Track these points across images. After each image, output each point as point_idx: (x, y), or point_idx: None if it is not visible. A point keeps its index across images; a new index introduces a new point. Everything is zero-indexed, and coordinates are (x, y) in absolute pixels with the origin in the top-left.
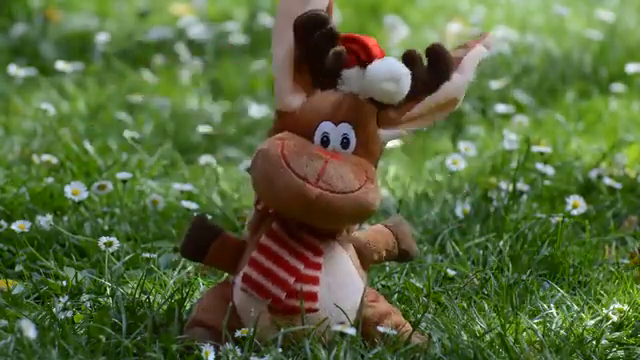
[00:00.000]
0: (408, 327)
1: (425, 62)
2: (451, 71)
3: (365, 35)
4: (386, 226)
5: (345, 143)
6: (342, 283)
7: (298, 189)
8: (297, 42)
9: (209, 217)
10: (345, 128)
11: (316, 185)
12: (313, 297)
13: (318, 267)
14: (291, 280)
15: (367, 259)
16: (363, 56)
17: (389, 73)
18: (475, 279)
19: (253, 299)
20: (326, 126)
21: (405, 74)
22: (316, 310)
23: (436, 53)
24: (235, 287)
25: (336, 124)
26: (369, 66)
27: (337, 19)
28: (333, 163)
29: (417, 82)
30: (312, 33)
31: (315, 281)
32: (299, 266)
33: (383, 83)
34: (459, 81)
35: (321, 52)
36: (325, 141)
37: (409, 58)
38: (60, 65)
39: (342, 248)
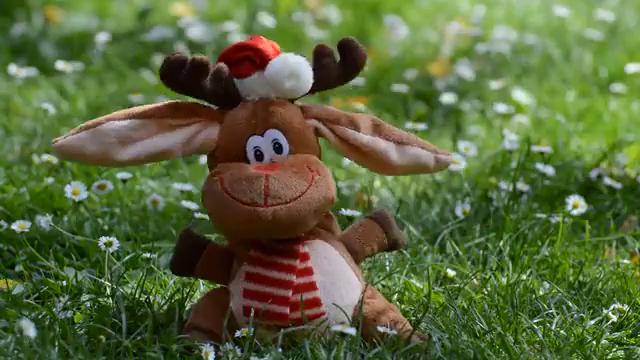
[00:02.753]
0: (407, 325)
1: (337, 55)
2: (362, 65)
3: (255, 37)
4: (371, 218)
5: (278, 148)
6: (337, 281)
7: (251, 216)
8: (174, 89)
9: (195, 227)
10: (272, 134)
11: (267, 205)
12: (317, 303)
13: (309, 272)
14: (289, 294)
15: (360, 254)
16: (258, 60)
17: (288, 70)
18: (475, 279)
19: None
20: (253, 140)
21: (303, 67)
22: (322, 314)
23: (347, 47)
24: (231, 295)
25: (261, 134)
26: (267, 67)
27: (337, 19)
28: (274, 176)
29: (330, 74)
30: (178, 75)
31: (312, 286)
32: (291, 278)
33: (284, 80)
34: (394, 155)
35: (199, 83)
36: (259, 155)
37: (318, 52)
38: (60, 65)
39: (332, 247)
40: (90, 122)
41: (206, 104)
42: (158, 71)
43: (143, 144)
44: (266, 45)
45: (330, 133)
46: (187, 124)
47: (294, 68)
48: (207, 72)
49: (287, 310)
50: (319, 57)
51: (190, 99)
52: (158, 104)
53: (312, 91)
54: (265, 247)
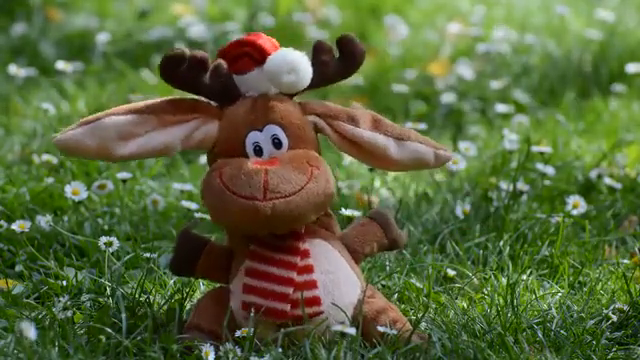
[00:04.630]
0: (407, 324)
1: (336, 52)
2: (360, 61)
3: (254, 33)
4: (370, 218)
5: (277, 143)
6: (336, 280)
7: (250, 210)
8: (173, 84)
9: (194, 227)
10: (271, 129)
11: (265, 199)
12: (317, 301)
13: (310, 269)
14: (290, 291)
15: (359, 254)
16: (257, 55)
17: (286, 65)
18: (475, 279)
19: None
20: (253, 136)
21: (302, 62)
22: (321, 313)
23: (346, 43)
24: (232, 294)
25: (261, 130)
26: (266, 62)
27: (337, 19)
28: (273, 170)
29: (328, 70)
30: (178, 71)
31: (313, 285)
32: (292, 275)
33: (283, 76)
34: (394, 150)
35: (198, 79)
36: (258, 150)
37: (317, 48)
38: (60, 65)
39: (331, 246)
40: (90, 117)
41: (206, 100)
42: (158, 67)
43: (143, 139)
44: (265, 41)
45: (329, 129)
46: (187, 120)
47: (293, 63)
48: (206, 68)
49: (287, 307)
50: (318, 53)
51: (190, 95)
52: (158, 99)
53: (311, 87)
54: (265, 243)
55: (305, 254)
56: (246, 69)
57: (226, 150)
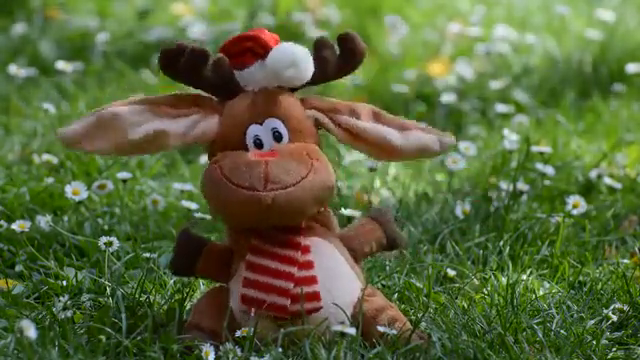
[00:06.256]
0: (406, 323)
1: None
2: (361, 60)
3: (257, 29)
4: (371, 218)
5: (277, 136)
6: (334, 278)
7: (251, 200)
8: (173, 77)
9: (194, 226)
10: (271, 123)
11: (266, 190)
12: (316, 297)
13: (311, 265)
14: (290, 286)
15: (359, 253)
16: (259, 50)
17: (287, 59)
18: (475, 279)
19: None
20: (253, 129)
21: (304, 56)
22: (321, 308)
23: (346, 40)
24: (231, 293)
25: (261, 123)
26: (268, 56)
27: (337, 19)
28: (273, 162)
29: (329, 66)
30: (177, 63)
31: (313, 280)
32: (292, 270)
33: (284, 69)
34: (398, 139)
35: (199, 72)
36: (259, 143)
37: (318, 44)
38: (60, 65)
39: (330, 244)
40: (93, 111)
41: (206, 95)
42: (158, 60)
43: (146, 126)
44: (267, 36)
45: (331, 123)
46: (187, 114)
47: (294, 56)
48: (207, 61)
49: (287, 302)
50: (319, 49)
51: (190, 91)
52: (159, 94)
53: (312, 83)
54: (267, 237)
55: (306, 250)
56: (248, 64)
57: (226, 144)
